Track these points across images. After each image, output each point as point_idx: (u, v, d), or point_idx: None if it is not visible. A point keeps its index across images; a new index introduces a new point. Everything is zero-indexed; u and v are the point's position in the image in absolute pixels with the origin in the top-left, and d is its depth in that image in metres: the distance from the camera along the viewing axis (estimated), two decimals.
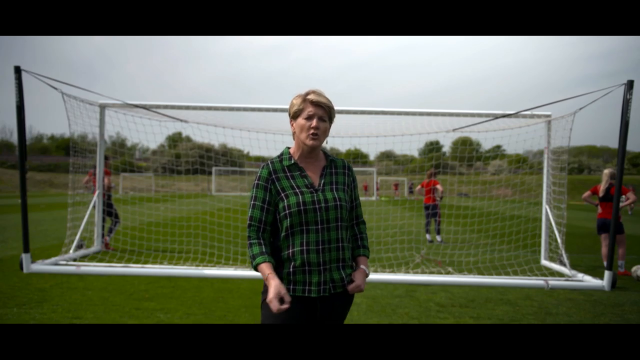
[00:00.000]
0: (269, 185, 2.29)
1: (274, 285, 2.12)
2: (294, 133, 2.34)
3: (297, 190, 2.26)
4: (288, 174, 2.31)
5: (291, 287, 2.25)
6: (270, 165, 2.33)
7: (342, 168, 2.41)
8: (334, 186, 2.33)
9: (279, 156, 2.39)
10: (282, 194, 2.26)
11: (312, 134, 2.26)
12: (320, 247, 2.24)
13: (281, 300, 2.11)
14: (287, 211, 2.23)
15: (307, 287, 2.24)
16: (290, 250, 2.24)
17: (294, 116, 2.31)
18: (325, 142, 2.37)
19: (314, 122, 2.25)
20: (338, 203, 2.28)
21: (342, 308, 2.35)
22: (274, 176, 2.30)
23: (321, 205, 2.25)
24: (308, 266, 2.24)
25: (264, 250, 2.26)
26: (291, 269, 2.25)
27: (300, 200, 2.23)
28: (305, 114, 2.26)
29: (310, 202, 2.24)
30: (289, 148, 2.41)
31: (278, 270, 2.27)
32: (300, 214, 2.22)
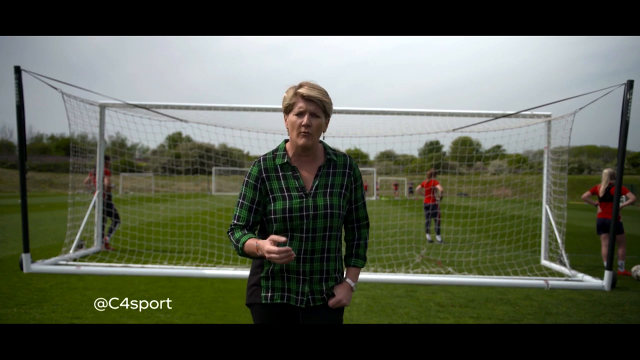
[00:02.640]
0: (258, 184, 2.15)
1: (264, 241, 1.95)
2: (287, 128, 2.17)
3: (286, 194, 2.11)
4: (280, 173, 2.15)
5: (269, 294, 2.15)
6: (261, 163, 2.17)
7: (342, 167, 2.21)
8: (328, 190, 2.14)
9: (273, 152, 2.22)
10: (271, 196, 2.13)
11: (304, 132, 2.08)
12: (302, 256, 2.10)
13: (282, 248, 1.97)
14: (272, 216, 2.11)
15: (285, 294, 2.15)
16: None
17: (286, 111, 2.15)
18: (322, 137, 2.22)
19: (305, 119, 2.07)
20: (329, 211, 2.10)
21: (329, 320, 2.17)
22: (264, 175, 2.15)
23: (309, 212, 2.09)
24: (287, 273, 2.14)
25: (245, 232, 2.13)
26: (269, 274, 2.15)
27: (287, 206, 2.09)
28: (296, 110, 2.09)
29: (298, 209, 2.09)
30: (286, 142, 2.24)
31: (257, 270, 2.19)
32: (285, 221, 2.09)
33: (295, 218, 2.08)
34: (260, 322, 2.20)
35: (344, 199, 2.19)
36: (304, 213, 2.09)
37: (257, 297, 2.17)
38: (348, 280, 2.26)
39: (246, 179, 2.19)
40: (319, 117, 2.11)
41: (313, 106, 2.09)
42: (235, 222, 2.17)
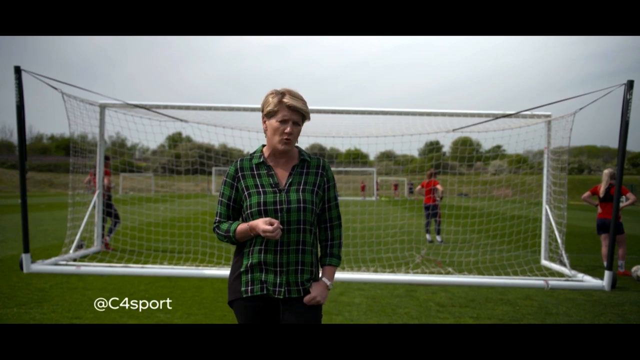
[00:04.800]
0: (235, 183, 2.30)
1: (256, 222, 2.16)
2: (265, 130, 2.30)
3: (261, 190, 2.24)
4: (255, 172, 2.29)
5: (249, 287, 2.24)
6: (238, 162, 2.33)
7: (315, 168, 2.34)
8: (301, 187, 2.27)
9: (251, 154, 2.38)
10: (246, 193, 2.26)
11: (286, 139, 2.23)
12: (279, 248, 2.21)
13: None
14: (248, 211, 2.23)
15: (264, 285, 2.23)
16: (250, 248, 2.24)
17: (268, 115, 2.26)
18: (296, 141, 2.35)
19: (288, 128, 2.21)
20: (302, 205, 2.22)
21: (306, 315, 2.24)
22: (239, 174, 2.29)
23: (283, 206, 2.20)
24: (265, 265, 2.23)
25: (231, 222, 2.30)
26: (249, 268, 2.24)
27: (262, 200, 2.21)
28: (279, 117, 2.21)
29: (272, 203, 2.20)
30: (263, 146, 2.38)
31: (237, 266, 2.29)
32: (260, 214, 2.20)
33: (270, 212, 2.20)
34: (243, 318, 2.28)
35: (316, 196, 2.30)
36: (278, 207, 2.21)
37: (238, 293, 2.26)
38: (324, 279, 2.35)
39: (224, 178, 2.34)
40: (299, 125, 2.27)
41: (296, 116, 2.23)
42: (218, 219, 2.34)
